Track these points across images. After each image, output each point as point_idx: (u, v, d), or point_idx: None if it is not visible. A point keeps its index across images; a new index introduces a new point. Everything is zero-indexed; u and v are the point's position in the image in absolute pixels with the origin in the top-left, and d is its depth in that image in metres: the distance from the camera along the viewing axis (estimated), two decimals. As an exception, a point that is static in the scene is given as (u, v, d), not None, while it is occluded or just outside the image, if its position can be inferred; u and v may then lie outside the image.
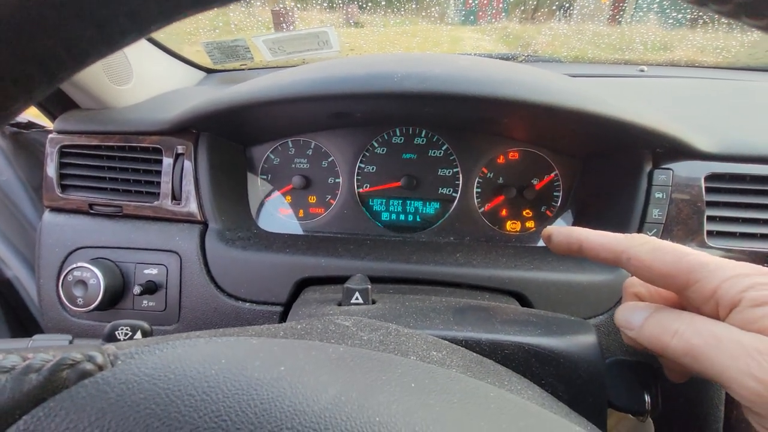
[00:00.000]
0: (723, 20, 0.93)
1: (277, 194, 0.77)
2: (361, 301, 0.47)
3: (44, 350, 0.20)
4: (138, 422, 0.18)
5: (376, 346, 0.29)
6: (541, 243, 0.72)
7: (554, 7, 1.04)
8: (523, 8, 1.10)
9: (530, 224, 0.74)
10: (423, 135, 0.74)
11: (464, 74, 0.49)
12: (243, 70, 1.05)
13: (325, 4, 1.02)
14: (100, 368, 0.20)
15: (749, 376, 0.25)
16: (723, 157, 0.57)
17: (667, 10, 1.01)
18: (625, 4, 1.08)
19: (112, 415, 0.18)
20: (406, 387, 0.23)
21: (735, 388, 0.26)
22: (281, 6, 1.04)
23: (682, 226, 0.57)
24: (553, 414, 0.26)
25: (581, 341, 0.40)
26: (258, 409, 0.19)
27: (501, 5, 1.14)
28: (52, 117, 0.71)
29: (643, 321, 0.34)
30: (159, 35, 0.87)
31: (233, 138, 0.72)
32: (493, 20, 1.15)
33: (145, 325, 0.38)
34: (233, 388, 0.20)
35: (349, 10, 1.07)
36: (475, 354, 0.35)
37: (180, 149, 0.64)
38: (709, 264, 0.30)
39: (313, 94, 0.51)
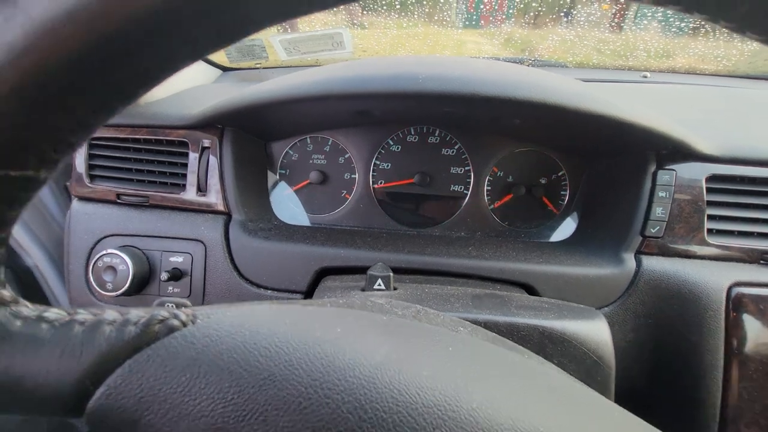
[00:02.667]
0: (724, 30, 0.96)
1: (294, 188, 0.80)
2: (383, 287, 0.50)
3: (136, 309, 0.23)
4: (223, 369, 0.21)
5: (410, 320, 0.32)
6: (549, 238, 0.75)
7: (560, 13, 1.08)
8: (528, 14, 1.14)
9: (538, 221, 0.77)
10: (436, 134, 0.77)
11: (482, 76, 0.52)
12: (257, 68, 1.08)
13: (341, 7, 1.05)
14: (184, 325, 0.23)
15: None
16: (724, 160, 0.60)
17: (670, 19, 1.05)
18: (628, 12, 1.11)
19: (201, 362, 0.21)
20: (445, 350, 0.26)
21: None
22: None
23: (684, 224, 0.61)
24: (576, 382, 0.29)
25: (591, 326, 0.43)
26: (324, 361, 0.22)
27: (506, 10, 1.17)
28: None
29: None
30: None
31: (255, 134, 0.75)
32: (500, 25, 1.19)
33: (188, 303, 0.40)
34: (300, 343, 0.23)
35: (361, 12, 1.10)
36: (494, 333, 0.38)
37: (206, 143, 0.67)
38: None
39: (340, 92, 0.54)
